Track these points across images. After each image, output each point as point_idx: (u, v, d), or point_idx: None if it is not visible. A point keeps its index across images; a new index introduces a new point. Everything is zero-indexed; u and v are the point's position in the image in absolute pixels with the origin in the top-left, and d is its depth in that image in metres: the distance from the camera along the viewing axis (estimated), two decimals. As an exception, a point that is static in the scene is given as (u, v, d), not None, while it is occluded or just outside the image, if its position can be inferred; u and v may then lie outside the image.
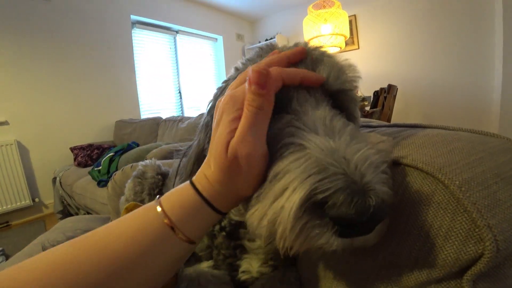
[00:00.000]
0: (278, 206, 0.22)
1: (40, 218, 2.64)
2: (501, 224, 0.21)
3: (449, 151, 0.27)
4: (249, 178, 0.26)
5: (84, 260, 0.24)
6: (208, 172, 0.28)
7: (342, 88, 0.32)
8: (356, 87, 0.34)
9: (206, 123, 0.38)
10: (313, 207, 0.21)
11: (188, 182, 0.29)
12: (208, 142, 0.34)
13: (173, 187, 0.38)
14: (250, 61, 0.36)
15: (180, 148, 0.46)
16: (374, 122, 0.50)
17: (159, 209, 0.27)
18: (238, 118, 0.25)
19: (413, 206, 0.25)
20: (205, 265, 0.40)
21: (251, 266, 0.41)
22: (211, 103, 0.39)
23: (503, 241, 0.20)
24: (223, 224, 0.42)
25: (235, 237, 0.42)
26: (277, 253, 0.41)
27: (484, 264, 0.21)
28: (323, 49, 0.34)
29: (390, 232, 0.26)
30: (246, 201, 0.29)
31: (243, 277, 0.41)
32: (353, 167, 0.22)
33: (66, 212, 2.34)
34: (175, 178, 0.43)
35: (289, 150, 0.25)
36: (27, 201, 2.51)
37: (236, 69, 0.37)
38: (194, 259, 0.43)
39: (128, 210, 0.52)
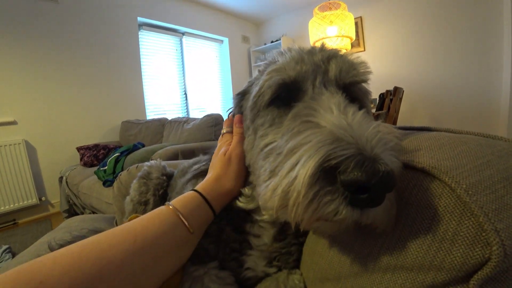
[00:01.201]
0: (293, 175, 0.24)
1: (47, 216, 2.68)
2: (509, 228, 0.20)
3: (456, 154, 0.26)
4: (236, 170, 0.42)
5: (113, 236, 0.32)
6: (208, 177, 0.43)
7: (353, 80, 0.35)
8: (366, 80, 0.36)
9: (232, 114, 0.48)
10: (326, 175, 0.22)
11: (190, 191, 0.41)
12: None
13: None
14: (269, 64, 0.39)
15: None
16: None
17: (170, 206, 0.37)
18: (229, 144, 0.45)
19: (420, 209, 0.25)
20: (211, 265, 0.40)
21: (256, 264, 0.41)
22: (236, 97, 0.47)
23: (511, 246, 0.20)
24: (229, 216, 0.43)
25: (241, 231, 0.43)
26: (282, 253, 0.42)
27: (491, 269, 0.20)
28: (337, 50, 0.37)
29: (396, 234, 0.26)
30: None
31: (248, 274, 0.41)
32: (365, 140, 0.23)
33: (72, 211, 2.37)
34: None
35: (305, 127, 0.27)
36: (33, 200, 2.55)
37: (259, 71, 0.42)
38: (198, 260, 0.43)
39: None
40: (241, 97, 0.44)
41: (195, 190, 0.40)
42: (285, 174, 0.25)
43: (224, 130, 0.48)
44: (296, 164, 0.24)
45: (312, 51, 0.36)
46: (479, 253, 0.21)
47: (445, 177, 0.24)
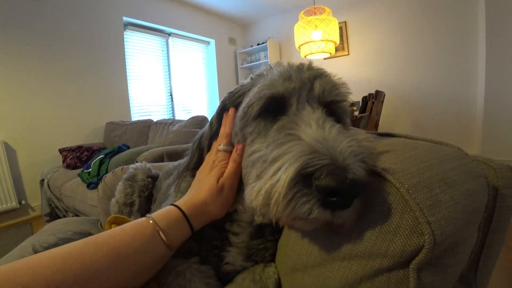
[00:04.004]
0: (275, 178, 0.28)
1: (27, 220, 2.60)
2: (440, 221, 0.25)
3: (406, 158, 0.31)
4: (225, 201, 0.42)
5: (96, 251, 0.33)
6: (194, 196, 0.43)
7: (334, 99, 0.39)
8: (346, 100, 0.41)
9: (217, 114, 0.48)
10: (303, 180, 0.26)
11: (171, 206, 0.42)
12: (219, 126, 0.47)
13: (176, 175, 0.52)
14: (260, 76, 0.43)
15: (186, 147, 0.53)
16: (353, 129, 0.55)
17: (151, 221, 0.38)
18: (224, 167, 0.43)
19: (372, 205, 0.29)
20: (192, 261, 0.43)
21: (234, 259, 0.45)
22: (224, 97, 0.48)
23: (440, 236, 0.24)
24: None
25: (220, 229, 0.46)
26: (259, 249, 0.45)
27: (424, 255, 0.24)
28: (322, 70, 0.41)
29: (353, 228, 0.30)
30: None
31: (227, 268, 0.45)
32: (338, 152, 0.27)
33: (53, 215, 2.31)
34: (185, 166, 0.52)
35: (288, 139, 0.31)
36: (13, 204, 2.47)
37: (251, 78, 0.45)
38: (181, 256, 0.46)
39: (110, 222, 0.56)
40: (231, 102, 0.46)
41: (180, 209, 0.40)
42: (269, 178, 0.29)
43: (221, 147, 0.44)
44: (278, 170, 0.28)
45: (301, 68, 0.40)
46: (415, 242, 0.25)
47: (392, 178, 0.28)
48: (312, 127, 0.31)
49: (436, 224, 0.24)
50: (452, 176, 0.28)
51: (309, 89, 0.38)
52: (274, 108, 0.38)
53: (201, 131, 0.52)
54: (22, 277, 0.28)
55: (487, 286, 0.38)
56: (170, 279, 0.39)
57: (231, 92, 0.47)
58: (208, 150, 0.49)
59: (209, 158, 0.46)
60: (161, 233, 0.37)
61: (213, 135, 0.49)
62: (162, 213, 0.40)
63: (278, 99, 0.37)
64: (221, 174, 0.42)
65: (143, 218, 0.39)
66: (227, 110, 0.46)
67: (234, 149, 0.42)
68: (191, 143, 0.53)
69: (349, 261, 0.29)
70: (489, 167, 0.36)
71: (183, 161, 0.54)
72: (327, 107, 0.38)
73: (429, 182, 0.27)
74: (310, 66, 0.41)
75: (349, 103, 0.42)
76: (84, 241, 0.34)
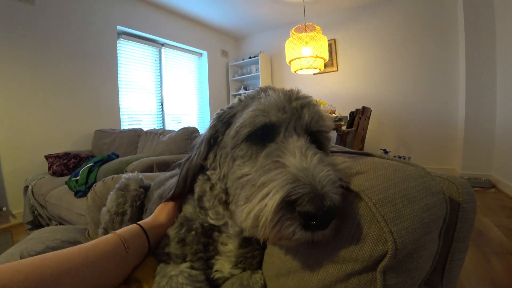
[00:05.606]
0: (263, 204, 0.32)
1: (7, 228, 2.52)
2: (401, 231, 0.30)
3: (376, 177, 0.36)
4: (169, 210, 0.57)
5: (69, 252, 0.41)
6: (151, 216, 0.57)
7: (319, 130, 0.44)
8: (330, 131, 0.46)
9: (207, 138, 0.49)
10: (287, 206, 0.31)
11: (134, 224, 0.53)
12: (208, 153, 0.50)
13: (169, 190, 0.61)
14: (251, 98, 0.47)
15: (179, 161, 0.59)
16: (335, 147, 0.60)
17: (116, 233, 0.48)
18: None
19: (346, 217, 0.34)
20: (184, 266, 0.47)
21: (223, 267, 0.48)
22: (214, 122, 0.49)
23: (400, 243, 0.29)
24: (194, 226, 0.51)
25: (206, 235, 0.50)
26: (247, 257, 0.49)
27: (388, 259, 0.29)
28: (309, 98, 0.46)
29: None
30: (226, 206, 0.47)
31: (216, 275, 0.48)
32: (317, 181, 0.31)
33: (36, 223, 2.25)
34: (175, 186, 0.56)
35: (274, 166, 0.35)
36: (-7, 210, 2.40)
37: (240, 100, 0.48)
38: (173, 262, 0.49)
39: None
40: (222, 124, 0.49)
41: (139, 225, 0.53)
42: (257, 202, 0.33)
43: None
44: (266, 196, 0.32)
45: (290, 96, 0.44)
46: (380, 248, 0.30)
47: (362, 194, 0.33)
48: (296, 156, 0.35)
49: (398, 233, 0.29)
50: (413, 193, 0.33)
51: (297, 118, 0.42)
52: (263, 132, 0.41)
53: (187, 157, 0.54)
54: (5, 273, 0.32)
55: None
56: (163, 282, 0.42)
57: (220, 116, 0.49)
58: (193, 178, 0.54)
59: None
60: (122, 239, 0.47)
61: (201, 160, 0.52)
62: (127, 227, 0.52)
63: (269, 127, 0.41)
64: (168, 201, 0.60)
65: (110, 234, 0.48)
66: (217, 136, 0.49)
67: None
68: (179, 167, 0.57)
69: (326, 266, 0.34)
70: (452, 183, 0.41)
71: (172, 181, 0.60)
72: (312, 134, 0.43)
73: (393, 198, 0.32)
74: (298, 96, 0.45)
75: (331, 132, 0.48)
76: (60, 250, 0.41)
